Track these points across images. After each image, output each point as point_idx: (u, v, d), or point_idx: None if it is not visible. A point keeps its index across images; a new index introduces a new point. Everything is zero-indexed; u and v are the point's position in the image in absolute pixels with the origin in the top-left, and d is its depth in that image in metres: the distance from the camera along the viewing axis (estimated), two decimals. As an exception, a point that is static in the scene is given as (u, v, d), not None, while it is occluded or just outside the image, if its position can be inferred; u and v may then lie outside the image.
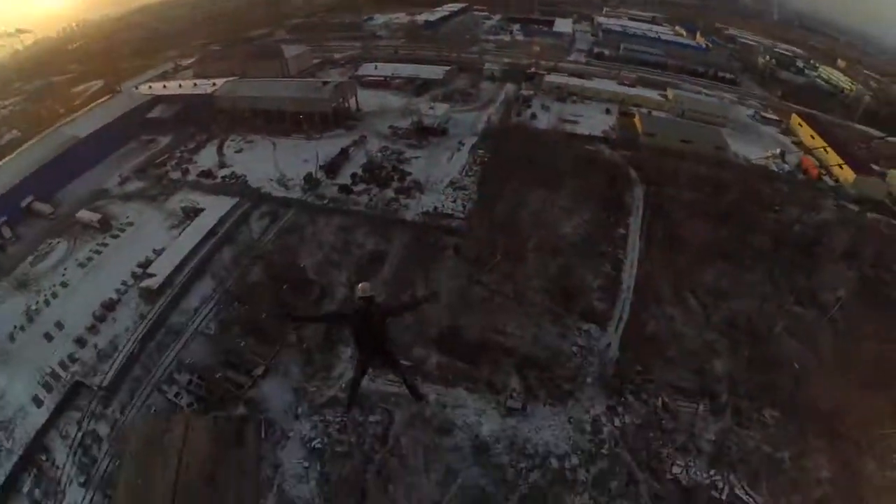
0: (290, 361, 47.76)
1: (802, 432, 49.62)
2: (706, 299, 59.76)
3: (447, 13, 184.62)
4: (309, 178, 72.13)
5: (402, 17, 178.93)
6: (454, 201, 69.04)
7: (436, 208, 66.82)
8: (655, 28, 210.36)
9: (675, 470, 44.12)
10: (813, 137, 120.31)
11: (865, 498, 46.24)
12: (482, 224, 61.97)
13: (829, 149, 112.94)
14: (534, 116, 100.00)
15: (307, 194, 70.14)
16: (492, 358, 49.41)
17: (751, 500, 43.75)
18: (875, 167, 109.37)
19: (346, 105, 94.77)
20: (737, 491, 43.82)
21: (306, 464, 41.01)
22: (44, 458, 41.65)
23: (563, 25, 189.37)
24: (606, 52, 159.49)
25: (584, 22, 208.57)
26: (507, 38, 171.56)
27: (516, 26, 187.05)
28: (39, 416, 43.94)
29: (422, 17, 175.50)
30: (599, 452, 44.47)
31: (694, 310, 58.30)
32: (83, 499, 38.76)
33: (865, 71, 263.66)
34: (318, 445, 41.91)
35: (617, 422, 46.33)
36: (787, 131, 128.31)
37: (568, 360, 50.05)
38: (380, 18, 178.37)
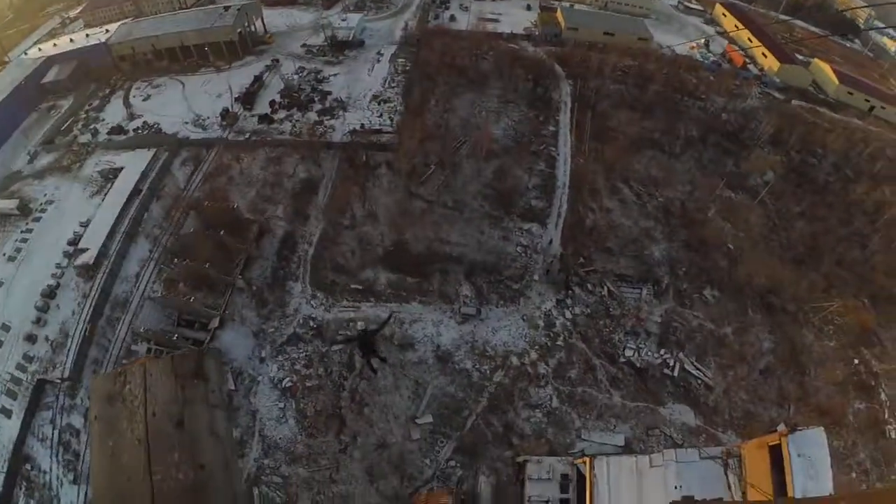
0: (244, 307, 47.20)
1: (742, 308, 54.20)
2: (640, 189, 62.13)
3: None
4: (226, 114, 68.07)
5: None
6: (380, 116, 66.82)
7: (362, 125, 64.65)
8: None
9: (628, 353, 47.74)
10: (737, 27, 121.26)
11: (805, 365, 51.79)
12: (412, 135, 60.61)
13: (753, 38, 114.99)
14: (453, 18, 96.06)
15: (227, 131, 66.35)
16: (440, 268, 50.53)
17: (700, 373, 48.07)
18: (799, 56, 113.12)
19: (253, 29, 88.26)
20: (686, 367, 47.97)
21: (281, 404, 41.79)
22: (29, 467, 40.36)
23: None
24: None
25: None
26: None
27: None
28: (12, 427, 41.92)
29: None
30: (555, 345, 47.32)
31: (629, 199, 60.68)
32: (78, 495, 38.44)
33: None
34: (289, 384, 42.52)
35: (568, 314, 49.08)
36: (711, 21, 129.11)
37: (514, 261, 52.04)
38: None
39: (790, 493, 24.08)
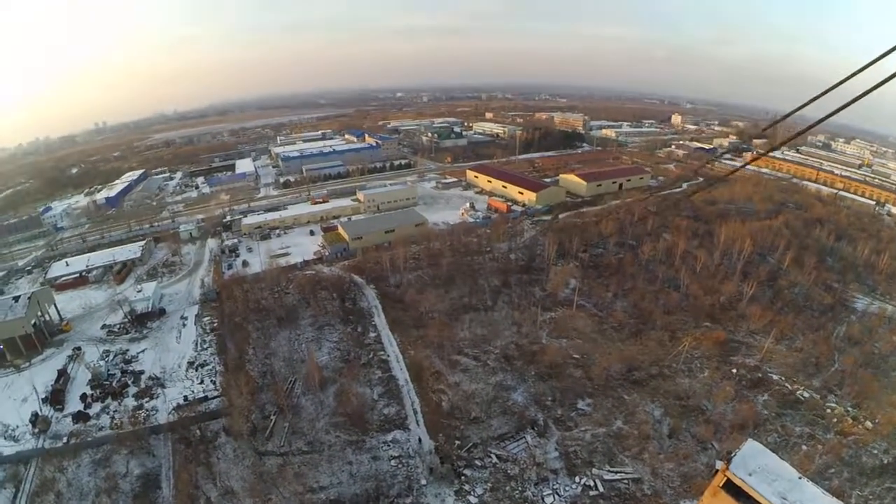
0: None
1: (617, 399, 57.88)
2: (474, 352, 65.44)
3: (126, 183, 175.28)
4: (36, 420, 57.91)
5: (80, 200, 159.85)
6: (201, 382, 62.48)
7: (186, 398, 59.36)
8: (328, 142, 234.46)
9: (549, 501, 45.78)
10: (490, 181, 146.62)
11: (699, 404, 56.95)
12: (240, 392, 57.26)
13: (506, 184, 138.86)
14: (245, 263, 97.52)
15: (41, 439, 56.18)
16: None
17: (622, 474, 47.62)
18: (547, 179, 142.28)
19: (48, 318, 79.05)
20: (606, 477, 47.46)
21: None
22: None
23: (244, 165, 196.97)
24: (292, 178, 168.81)
25: (263, 157, 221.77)
26: (193, 192, 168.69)
27: (200, 179, 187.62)
28: None
29: (101, 195, 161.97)
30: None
31: (469, 366, 63.10)
32: None
33: (510, 114, 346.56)
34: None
35: (473, 499, 45.50)
36: (468, 186, 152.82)
37: (394, 477, 47.86)
38: (57, 206, 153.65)
39: (772, 510, 23.57)
